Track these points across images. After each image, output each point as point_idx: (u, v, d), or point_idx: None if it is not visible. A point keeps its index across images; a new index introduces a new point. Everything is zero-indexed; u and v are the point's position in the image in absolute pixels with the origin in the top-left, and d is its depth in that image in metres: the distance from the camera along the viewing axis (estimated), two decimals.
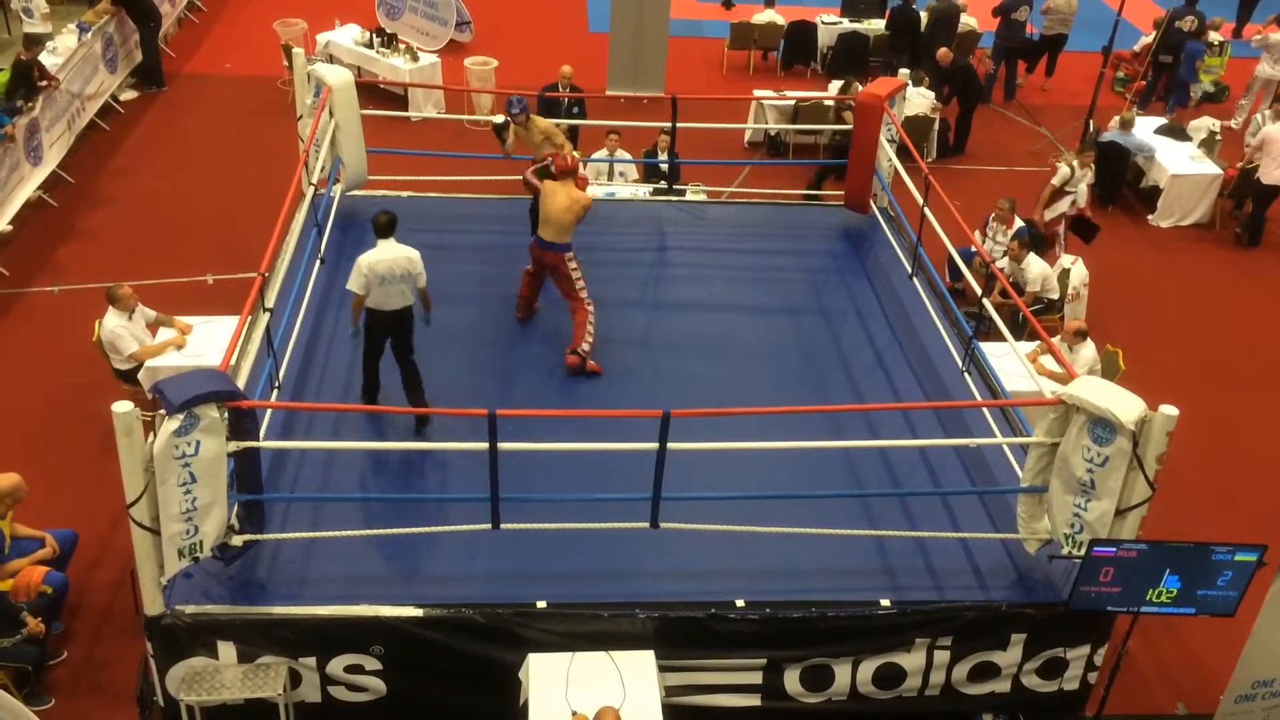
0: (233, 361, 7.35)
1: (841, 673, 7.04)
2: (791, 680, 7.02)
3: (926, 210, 9.89)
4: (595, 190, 10.55)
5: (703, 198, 12.02)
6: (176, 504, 6.11)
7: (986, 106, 16.31)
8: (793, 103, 14.78)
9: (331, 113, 10.14)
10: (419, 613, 6.68)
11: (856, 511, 7.55)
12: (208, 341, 9.10)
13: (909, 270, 10.43)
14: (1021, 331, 10.16)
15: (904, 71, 11.93)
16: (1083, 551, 6.56)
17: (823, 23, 17.36)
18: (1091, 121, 14.68)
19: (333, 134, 10.21)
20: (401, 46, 15.60)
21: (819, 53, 17.38)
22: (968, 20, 17.18)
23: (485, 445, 6.33)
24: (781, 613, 6.85)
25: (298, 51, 11.21)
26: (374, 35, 15.70)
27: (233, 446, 6.26)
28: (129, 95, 15.38)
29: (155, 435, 5.96)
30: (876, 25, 17.17)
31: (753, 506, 7.31)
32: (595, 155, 12.35)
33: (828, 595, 6.97)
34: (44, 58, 13.00)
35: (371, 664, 6.75)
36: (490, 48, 16.67)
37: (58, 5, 15.75)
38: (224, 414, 6.13)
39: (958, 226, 9.38)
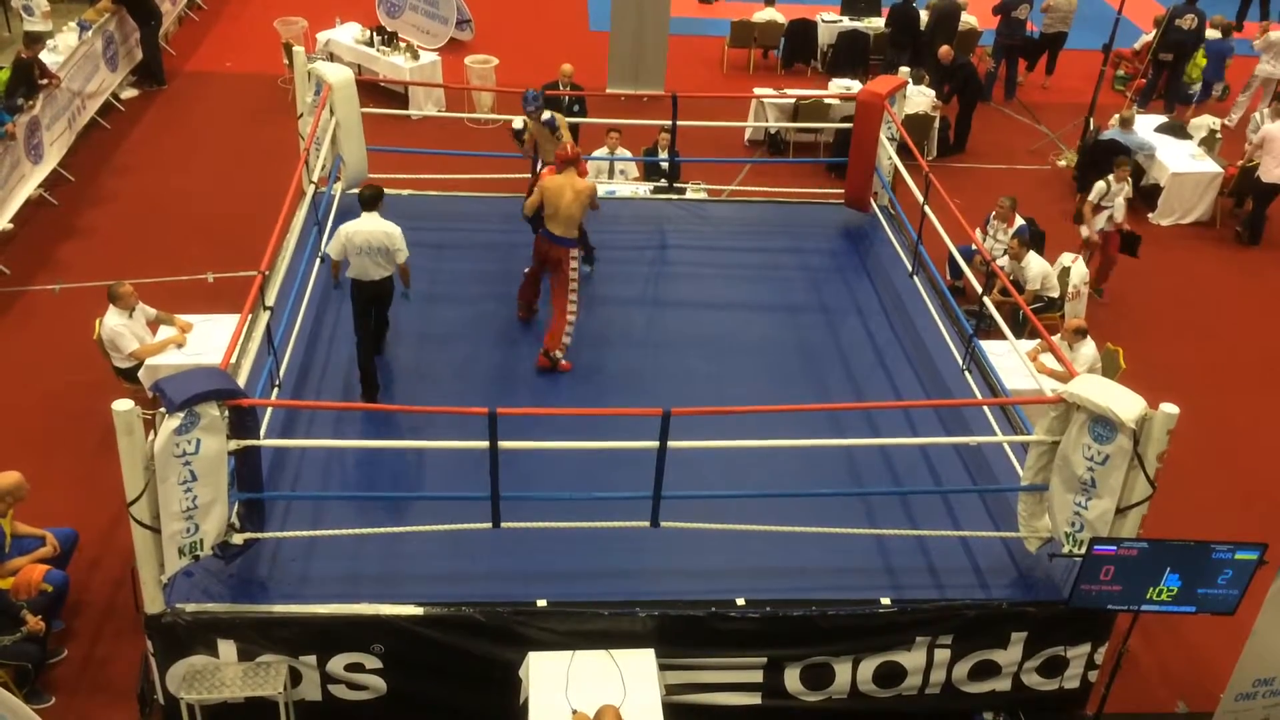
0: (233, 360, 7.36)
1: (842, 671, 7.04)
2: (792, 679, 7.02)
3: (927, 208, 9.89)
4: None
5: (703, 196, 12.01)
6: (177, 502, 6.11)
7: (987, 105, 16.31)
8: (793, 101, 14.78)
9: (332, 111, 10.14)
10: (419, 611, 6.68)
11: (857, 510, 7.55)
12: (208, 340, 9.09)
13: (909, 268, 10.43)
14: (1022, 330, 10.16)
15: (904, 70, 11.92)
16: (1083, 550, 6.56)
17: (823, 21, 17.36)
18: (1092, 120, 14.67)
19: (333, 132, 10.21)
20: (402, 45, 15.59)
21: (819, 51, 17.38)
22: (968, 18, 17.18)
23: (486, 444, 6.33)
24: (782, 611, 6.85)
25: (298, 50, 11.22)
26: (374, 33, 15.70)
27: (233, 445, 6.26)
28: (130, 93, 15.38)
29: (156, 433, 5.96)
30: (877, 24, 17.19)
31: (753, 505, 7.30)
32: (596, 153, 12.34)
33: (828, 594, 6.97)
34: (45, 56, 12.99)
35: (372, 662, 6.75)
36: (490, 46, 16.67)
37: (58, 3, 15.73)
38: (224, 412, 6.13)
39: (958, 225, 9.38)
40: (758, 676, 7.02)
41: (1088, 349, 9.29)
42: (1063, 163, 15.09)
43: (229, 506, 6.42)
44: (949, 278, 11.12)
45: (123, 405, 5.86)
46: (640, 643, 6.75)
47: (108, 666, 7.49)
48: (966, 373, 9.04)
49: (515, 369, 8.93)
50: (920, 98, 14.34)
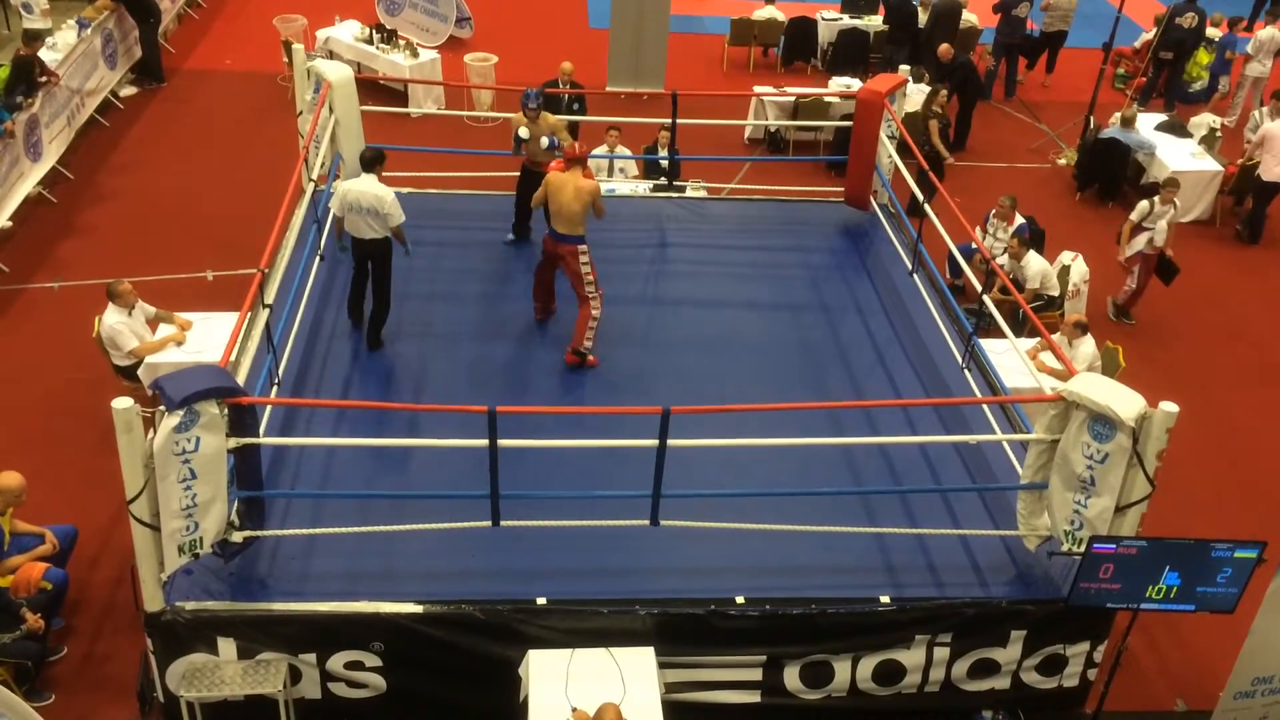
0: (232, 358, 7.35)
1: (841, 669, 7.04)
2: (791, 677, 7.03)
3: (927, 207, 9.89)
4: None
5: (703, 194, 12.00)
6: (177, 500, 6.11)
7: (987, 103, 16.31)
8: (793, 99, 14.77)
9: (331, 109, 10.14)
10: (419, 609, 6.68)
11: (856, 508, 7.54)
12: (207, 338, 9.09)
13: (909, 267, 10.43)
14: (1022, 328, 10.16)
15: (904, 68, 11.91)
16: (1082, 548, 6.56)
17: (823, 19, 17.36)
18: (1092, 118, 14.67)
19: (332, 130, 10.21)
20: (401, 42, 15.59)
21: (819, 49, 17.38)
22: (968, 16, 17.17)
23: (485, 442, 6.33)
24: (781, 609, 6.85)
25: (298, 47, 11.21)
26: (374, 31, 15.69)
27: (233, 443, 6.26)
28: (129, 91, 15.37)
29: (155, 431, 5.96)
30: (877, 21, 17.18)
31: (753, 504, 7.30)
32: (595, 151, 12.33)
33: (828, 592, 6.97)
34: (44, 53, 12.98)
35: (372, 660, 6.76)
36: (490, 44, 16.66)
37: (57, 1, 15.72)
38: (224, 410, 6.13)
39: (958, 223, 9.38)
40: (757, 675, 7.02)
41: (1087, 346, 9.29)
42: (1063, 161, 15.09)
43: (229, 504, 6.42)
44: (949, 276, 11.12)
45: (122, 403, 5.86)
46: (640, 641, 6.75)
47: (107, 664, 7.49)
48: (966, 371, 9.04)
49: (515, 366, 8.93)
50: (920, 96, 14.32)
